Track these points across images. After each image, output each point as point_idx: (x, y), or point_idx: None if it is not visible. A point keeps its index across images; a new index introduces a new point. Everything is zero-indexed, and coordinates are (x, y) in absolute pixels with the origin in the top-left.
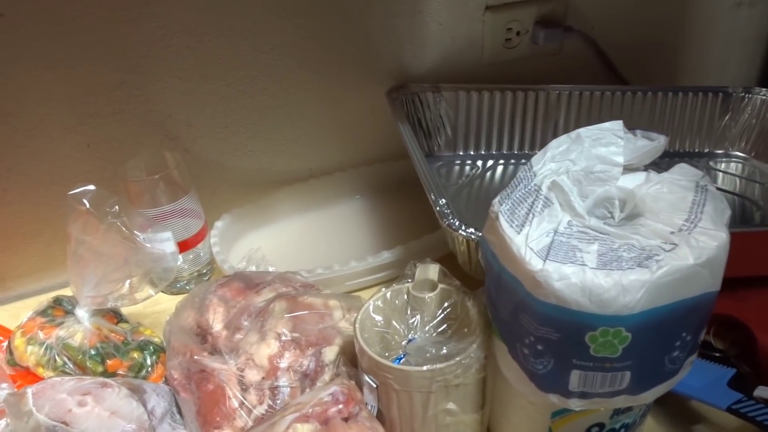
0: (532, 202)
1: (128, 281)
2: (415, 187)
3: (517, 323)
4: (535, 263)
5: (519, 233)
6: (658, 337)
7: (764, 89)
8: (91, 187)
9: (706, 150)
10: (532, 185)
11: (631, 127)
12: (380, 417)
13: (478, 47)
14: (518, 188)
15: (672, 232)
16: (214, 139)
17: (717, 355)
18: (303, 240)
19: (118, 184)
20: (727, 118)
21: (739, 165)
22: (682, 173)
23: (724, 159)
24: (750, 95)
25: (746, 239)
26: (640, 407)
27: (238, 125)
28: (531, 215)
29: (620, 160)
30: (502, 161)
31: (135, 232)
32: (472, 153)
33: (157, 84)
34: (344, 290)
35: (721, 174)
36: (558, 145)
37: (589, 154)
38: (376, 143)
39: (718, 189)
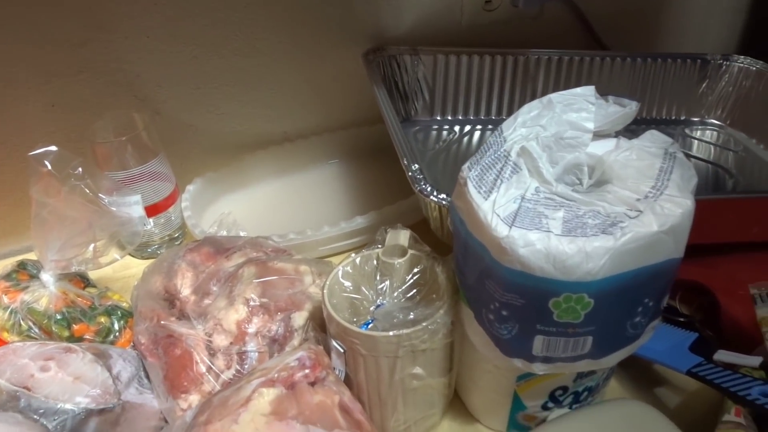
0: (501, 168)
1: (93, 245)
2: (391, 153)
3: (483, 289)
4: (501, 230)
5: (486, 199)
6: (620, 303)
7: (742, 57)
8: (53, 148)
9: (683, 117)
10: (502, 151)
11: (609, 93)
12: (348, 382)
13: (457, 9)
14: (488, 154)
15: (638, 199)
16: (186, 100)
17: (682, 320)
18: (277, 205)
19: (85, 146)
20: (704, 85)
21: (715, 133)
22: (652, 140)
23: (699, 126)
24: (728, 62)
25: (716, 206)
26: (603, 371)
27: (210, 87)
28: (499, 181)
29: (591, 126)
30: (479, 126)
31: (100, 195)
32: (449, 118)
33: (125, 42)
34: (317, 256)
35: (696, 141)
36: (529, 110)
37: (560, 119)
38: (353, 107)
39: (693, 157)
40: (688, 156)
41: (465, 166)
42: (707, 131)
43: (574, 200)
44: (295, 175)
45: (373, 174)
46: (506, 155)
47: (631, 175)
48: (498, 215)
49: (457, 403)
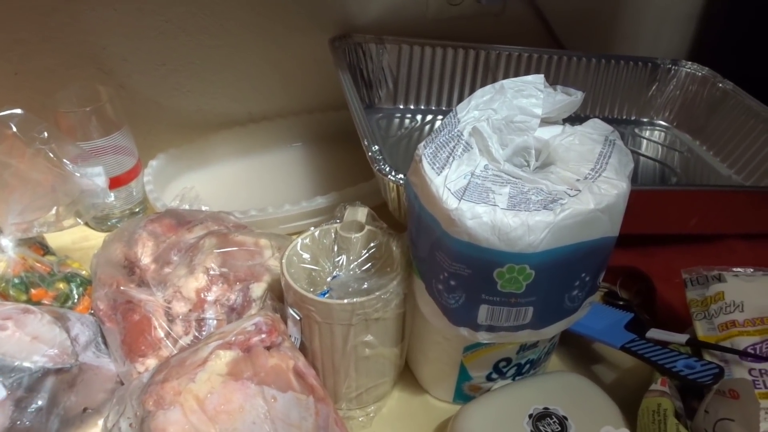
0: (454, 147)
1: (55, 208)
2: (354, 139)
3: (433, 261)
4: (451, 202)
5: (439, 175)
6: (559, 275)
7: (690, 63)
8: (18, 111)
9: (633, 117)
10: (456, 131)
11: None
12: (303, 349)
13: (423, 2)
14: (442, 133)
15: (578, 180)
16: (151, 76)
17: (621, 303)
18: (240, 184)
19: (47, 115)
20: (654, 88)
21: (662, 133)
22: (594, 127)
23: (648, 127)
24: (676, 67)
25: (658, 198)
26: (544, 345)
27: (176, 63)
28: (451, 158)
29: (539, 111)
30: (440, 116)
31: (64, 160)
32: (412, 107)
33: (91, 14)
34: None
35: (645, 141)
36: (482, 94)
37: (510, 104)
38: (318, 92)
39: (642, 155)
40: (637, 154)
41: (421, 145)
42: (655, 131)
43: (519, 178)
44: (258, 156)
45: (335, 158)
46: (459, 135)
47: (573, 158)
48: (449, 189)
49: (407, 375)
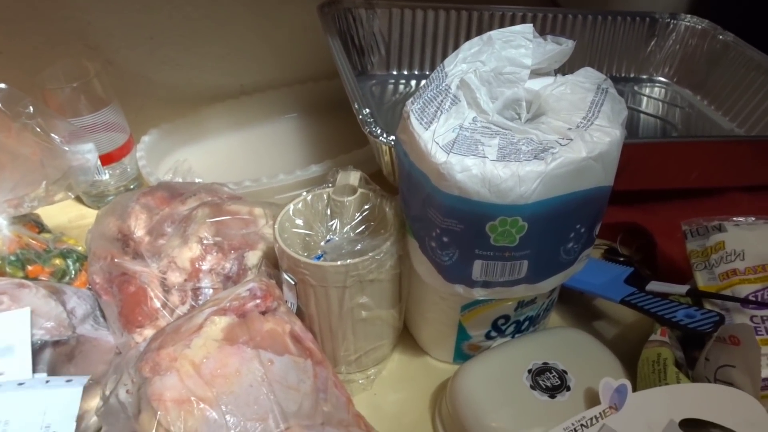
0: (441, 101)
1: (44, 183)
2: (348, 108)
3: (425, 218)
4: (440, 156)
5: (427, 129)
6: (553, 227)
7: (689, 16)
8: (2, 85)
9: (632, 75)
10: (443, 85)
11: None
12: (300, 315)
13: None
14: (429, 88)
15: (569, 129)
16: (139, 50)
17: (621, 259)
18: (234, 157)
19: (35, 94)
20: (652, 43)
21: (662, 90)
22: (586, 76)
23: (648, 84)
24: (675, 21)
25: (657, 151)
26: (542, 301)
27: (163, 37)
28: (439, 112)
29: (528, 62)
30: None
31: (52, 135)
32: (405, 72)
33: None
34: None
35: (645, 98)
36: (470, 47)
37: (499, 55)
38: (310, 62)
39: (642, 112)
40: (638, 112)
41: (408, 101)
42: (655, 88)
43: (509, 129)
44: (252, 129)
45: (329, 128)
46: (447, 88)
47: (565, 107)
48: (437, 143)
49: (407, 338)
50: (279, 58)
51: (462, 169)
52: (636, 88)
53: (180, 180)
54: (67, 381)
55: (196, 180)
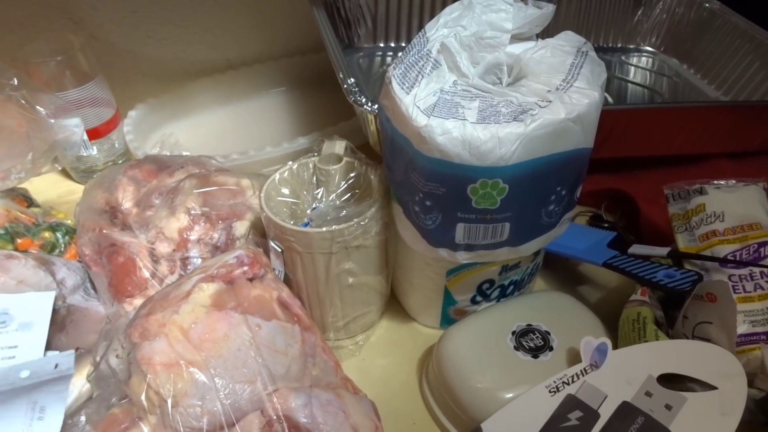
0: (423, 65)
1: (30, 154)
2: (336, 81)
3: (408, 182)
4: (421, 120)
5: (408, 94)
6: (534, 189)
7: None
8: None
9: (619, 45)
10: (425, 50)
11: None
12: (288, 282)
13: None
14: (411, 53)
15: (548, 91)
16: (123, 24)
17: (606, 225)
18: (222, 132)
19: (18, 69)
20: (639, 13)
21: (650, 59)
22: (566, 39)
23: (635, 54)
24: None
25: (641, 118)
26: (526, 265)
27: (147, 10)
28: (420, 77)
29: (509, 26)
30: None
31: (37, 107)
32: (392, 44)
33: None
34: None
35: (632, 68)
36: (451, 11)
37: (480, 20)
38: (296, 35)
39: (630, 82)
40: (625, 81)
41: (390, 67)
42: (642, 58)
43: (489, 92)
44: (239, 103)
45: (317, 102)
46: (428, 53)
47: (544, 70)
48: (418, 107)
49: (394, 305)
50: (265, 32)
51: (442, 132)
52: (623, 58)
53: (167, 153)
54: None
55: (184, 153)
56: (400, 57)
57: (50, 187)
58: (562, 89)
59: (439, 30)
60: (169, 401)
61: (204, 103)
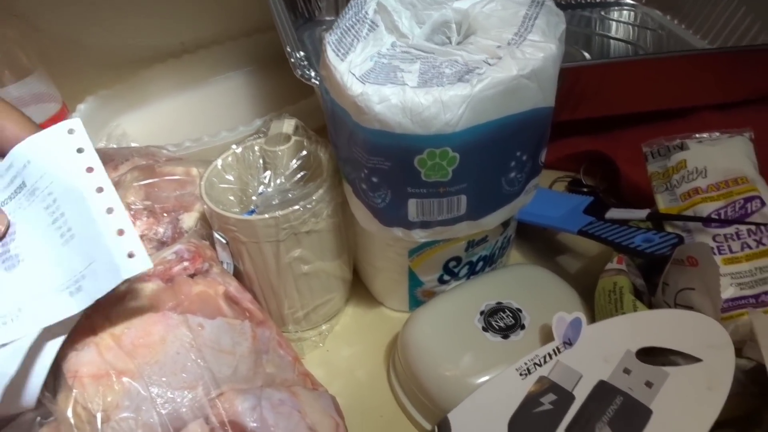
0: (359, 29)
1: None
2: None
3: (352, 158)
4: (356, 88)
5: (343, 61)
6: (489, 156)
7: None
8: None
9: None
10: (362, 12)
11: None
12: (238, 275)
13: None
14: (347, 17)
15: (499, 47)
16: (67, 13)
17: (585, 190)
18: (180, 120)
19: None
20: None
21: (631, 13)
22: None
23: (615, 7)
24: None
25: (619, 74)
26: (495, 239)
27: None
28: (356, 41)
29: None
30: None
31: None
32: None
33: None
34: None
35: (614, 23)
36: None
37: None
38: (254, 12)
39: (613, 38)
40: (607, 38)
41: (326, 33)
42: (624, 11)
43: (431, 52)
44: (198, 88)
45: (279, 82)
46: (365, 15)
47: (495, 24)
48: (353, 74)
49: (360, 289)
50: (221, 11)
51: (380, 100)
52: (603, 13)
53: (115, 146)
54: None
55: (132, 144)
56: (336, 22)
57: None
58: (514, 44)
59: None
60: (99, 416)
61: (161, 90)
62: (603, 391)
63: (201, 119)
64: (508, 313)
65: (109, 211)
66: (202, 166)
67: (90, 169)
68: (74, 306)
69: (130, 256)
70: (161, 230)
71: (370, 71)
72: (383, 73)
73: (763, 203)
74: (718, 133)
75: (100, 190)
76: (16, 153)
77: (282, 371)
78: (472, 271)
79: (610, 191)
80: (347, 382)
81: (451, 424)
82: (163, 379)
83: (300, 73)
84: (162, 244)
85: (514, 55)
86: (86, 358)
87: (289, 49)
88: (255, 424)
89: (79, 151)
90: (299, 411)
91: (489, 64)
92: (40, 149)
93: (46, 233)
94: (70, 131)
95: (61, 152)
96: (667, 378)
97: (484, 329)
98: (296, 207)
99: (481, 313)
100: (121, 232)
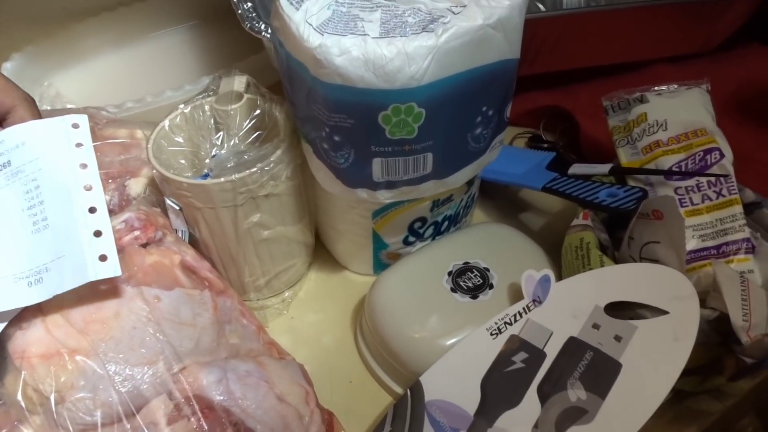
0: None
1: None
2: None
3: (312, 117)
4: (314, 39)
5: (298, 10)
6: (456, 112)
7: None
8: None
9: None
10: None
11: None
12: (194, 243)
13: None
14: None
15: None
16: None
17: (545, 146)
18: (118, 79)
19: None
20: None
21: None
22: None
23: None
24: None
25: (575, 27)
26: (460, 198)
27: None
28: None
29: None
30: None
31: None
32: None
33: None
34: None
35: None
36: None
37: None
38: None
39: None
40: None
41: None
42: None
43: (393, 0)
44: (136, 44)
45: (227, 37)
46: None
47: None
48: (310, 24)
49: (323, 254)
50: None
51: (340, 52)
52: None
53: (48, 108)
54: None
55: (68, 106)
56: None
57: None
58: None
59: None
60: (53, 397)
61: (96, 46)
62: (573, 347)
63: (142, 78)
64: (476, 272)
65: (92, 210)
66: (148, 128)
67: (84, 166)
68: (30, 297)
69: (102, 259)
70: (107, 198)
71: (328, 21)
72: (342, 22)
73: (722, 155)
74: (676, 85)
75: (88, 188)
76: (11, 132)
77: (246, 341)
78: (437, 232)
79: (570, 147)
80: (314, 349)
81: (424, 387)
82: (121, 355)
83: (249, 25)
84: (109, 213)
85: (479, 2)
86: (33, 337)
87: (235, 0)
88: (222, 398)
89: (78, 146)
90: (267, 381)
91: (454, 13)
92: (38, 135)
93: (17, 217)
94: (75, 125)
95: (60, 143)
96: (635, 331)
97: (453, 290)
98: (254, 169)
99: (449, 273)
100: (98, 234)
